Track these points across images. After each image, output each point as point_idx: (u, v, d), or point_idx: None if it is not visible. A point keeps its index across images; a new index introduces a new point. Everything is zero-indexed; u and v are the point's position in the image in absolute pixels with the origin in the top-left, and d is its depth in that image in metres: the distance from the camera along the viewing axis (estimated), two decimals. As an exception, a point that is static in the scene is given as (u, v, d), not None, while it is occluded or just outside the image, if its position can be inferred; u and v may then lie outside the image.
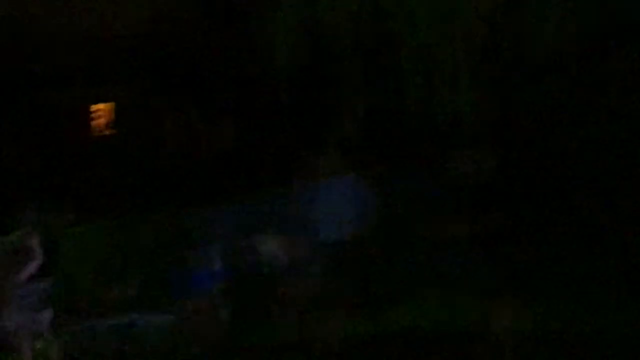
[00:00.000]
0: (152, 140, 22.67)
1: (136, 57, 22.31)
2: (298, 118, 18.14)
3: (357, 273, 9.95)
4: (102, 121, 24.51)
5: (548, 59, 13.17)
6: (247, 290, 11.65)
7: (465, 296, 10.78)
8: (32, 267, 10.32)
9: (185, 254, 13.28)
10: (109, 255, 14.63)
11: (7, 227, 11.61)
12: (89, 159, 22.23)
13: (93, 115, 24.49)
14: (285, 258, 11.50)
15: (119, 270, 13.43)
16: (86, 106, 23.95)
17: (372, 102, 15.12)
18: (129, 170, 21.55)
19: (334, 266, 9.63)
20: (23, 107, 21.32)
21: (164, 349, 11.08)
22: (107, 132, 24.21)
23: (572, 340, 9.27)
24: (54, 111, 21.97)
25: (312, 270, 10.76)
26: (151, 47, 22.45)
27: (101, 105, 24.52)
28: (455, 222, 12.08)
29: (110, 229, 16.22)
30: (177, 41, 22.17)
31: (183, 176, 20.83)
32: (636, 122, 13.23)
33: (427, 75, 13.48)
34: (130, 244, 15.54)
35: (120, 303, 12.09)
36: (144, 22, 22.27)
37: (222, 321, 11.37)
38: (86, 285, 12.37)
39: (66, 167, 21.17)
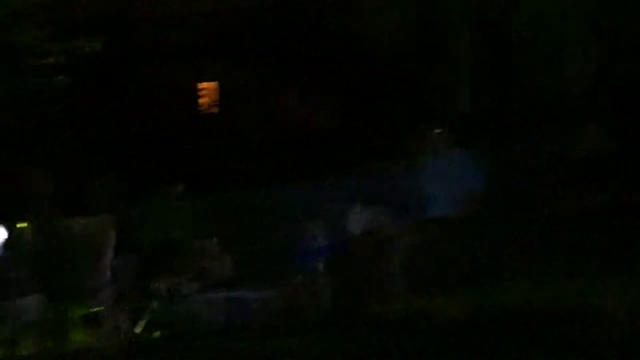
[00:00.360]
0: (258, 117, 22.77)
1: (242, 33, 22.42)
2: (406, 94, 17.96)
3: (464, 249, 9.74)
4: (208, 99, 24.77)
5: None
6: (348, 267, 11.56)
7: (576, 273, 10.50)
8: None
9: (288, 230, 13.35)
10: (213, 229, 14.78)
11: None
12: (195, 136, 22.45)
13: (199, 92, 24.76)
14: (387, 234, 11.44)
15: (222, 244, 13.57)
16: (193, 83, 24.20)
17: (484, 76, 14.85)
18: (234, 146, 21.71)
19: (439, 242, 9.42)
20: (131, 84, 21.65)
21: (268, 324, 11.16)
22: (213, 110, 24.44)
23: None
24: (162, 88, 22.22)
25: (417, 246, 10.64)
26: (257, 23, 22.53)
27: (207, 83, 24.76)
28: (569, 197, 11.76)
29: (215, 204, 16.39)
30: (282, 16, 22.19)
31: (288, 152, 20.86)
32: None
33: (540, 48, 13.13)
34: (234, 219, 15.67)
35: (224, 277, 12.20)
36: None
37: (323, 297, 11.36)
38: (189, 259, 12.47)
39: (174, 144, 21.44)
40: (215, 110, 24.60)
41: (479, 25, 14.80)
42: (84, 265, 10.50)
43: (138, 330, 11.59)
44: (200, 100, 24.83)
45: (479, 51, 14.95)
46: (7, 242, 10.99)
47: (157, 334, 11.30)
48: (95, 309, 12.89)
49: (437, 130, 10.50)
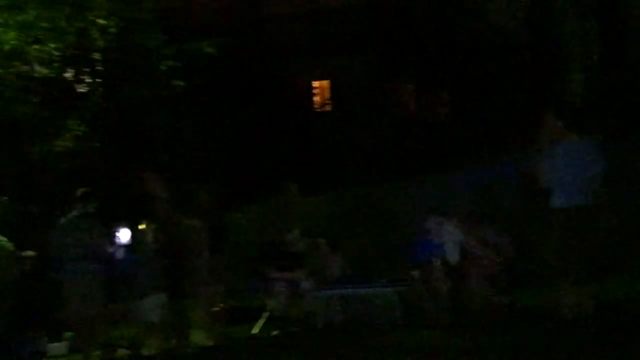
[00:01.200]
0: (374, 111, 22.67)
1: (355, 29, 22.38)
2: (521, 85, 17.65)
3: (587, 239, 9.38)
4: (322, 95, 24.82)
5: None
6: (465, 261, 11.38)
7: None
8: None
9: (409, 224, 13.25)
10: (335, 225, 14.78)
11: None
12: (311, 132, 22.51)
13: (314, 89, 24.85)
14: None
15: (338, 241, 13.55)
16: (308, 80, 24.31)
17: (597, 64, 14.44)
18: (350, 142, 21.66)
19: (564, 232, 9.12)
20: (247, 84, 21.86)
21: (394, 317, 11.13)
22: (328, 106, 24.47)
23: None
24: (277, 87, 22.37)
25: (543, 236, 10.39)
26: (369, 19, 22.45)
27: (320, 81, 24.82)
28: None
29: (335, 200, 16.39)
30: (395, 12, 22.05)
31: (404, 147, 20.71)
32: None
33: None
34: (351, 216, 15.63)
35: (340, 274, 12.16)
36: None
37: (441, 291, 11.23)
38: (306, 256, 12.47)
39: (290, 142, 21.54)
40: (330, 107, 24.66)
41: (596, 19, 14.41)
42: (199, 265, 10.61)
43: (256, 329, 11.69)
44: (315, 99, 24.94)
45: (595, 44, 14.53)
46: (131, 242, 11.24)
47: (275, 332, 11.36)
48: (215, 308, 13.10)
49: (559, 120, 10.13)
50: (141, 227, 10.56)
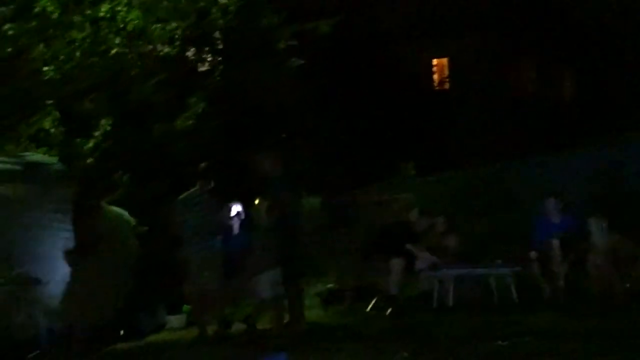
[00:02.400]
0: (493, 89, 22.23)
1: (475, 5, 21.95)
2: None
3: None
4: (441, 73, 24.49)
5: None
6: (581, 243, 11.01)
7: None
8: None
9: (527, 205, 12.97)
10: (451, 205, 14.60)
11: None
12: (429, 111, 22.22)
13: (432, 68, 24.54)
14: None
15: (462, 219, 13.40)
16: (427, 57, 24.01)
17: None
18: (468, 120, 21.30)
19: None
20: (367, 61, 21.71)
21: (509, 298, 10.95)
22: (446, 84, 24.14)
23: None
24: (398, 63, 22.15)
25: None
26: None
27: (438, 59, 24.48)
28: None
29: (453, 180, 16.17)
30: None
31: (524, 127, 20.25)
32: None
33: None
34: (471, 194, 15.39)
35: (457, 254, 11.99)
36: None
37: (563, 271, 10.91)
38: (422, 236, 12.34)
39: (409, 120, 21.32)
40: (449, 86, 24.30)
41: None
42: (314, 243, 10.62)
43: (368, 308, 11.64)
44: (434, 77, 24.62)
45: None
46: (246, 219, 11.32)
47: (389, 310, 11.27)
48: (331, 286, 13.12)
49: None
50: (256, 203, 10.61)
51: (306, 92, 16.10)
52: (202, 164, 10.41)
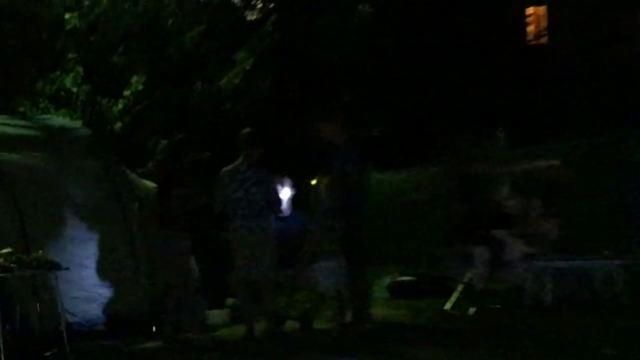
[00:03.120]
0: (600, 44, 21.88)
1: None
2: None
3: None
4: (537, 25, 24.17)
5: None
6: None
7: None
8: None
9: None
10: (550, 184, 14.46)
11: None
12: (523, 69, 21.94)
13: (526, 19, 24.24)
14: None
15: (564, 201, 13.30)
16: (520, 6, 23.73)
17: None
18: (570, 81, 20.99)
19: None
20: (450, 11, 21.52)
21: (617, 295, 10.95)
22: (543, 38, 23.83)
23: None
24: (486, 14, 21.90)
25: None
26: None
27: (535, 7, 24.16)
28: None
29: (551, 153, 16.00)
30: None
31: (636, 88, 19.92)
32: None
33: None
34: (574, 170, 15.22)
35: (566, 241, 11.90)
36: None
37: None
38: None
39: (499, 80, 21.09)
40: (546, 40, 23.96)
41: None
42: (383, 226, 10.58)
43: (449, 305, 11.58)
44: (529, 29, 24.31)
45: None
46: (299, 198, 11.30)
47: (472, 309, 11.21)
48: (403, 278, 13.08)
49: None
50: (313, 181, 10.58)
51: (376, 48, 15.95)
52: (245, 130, 10.36)
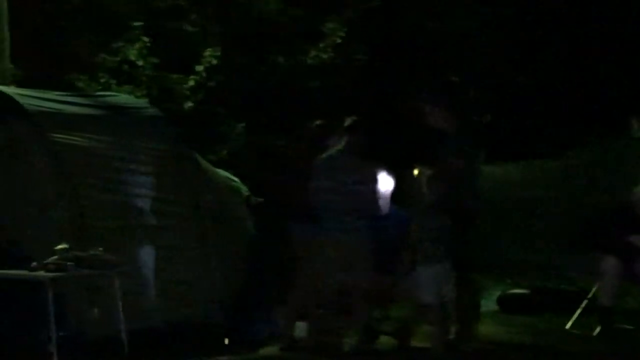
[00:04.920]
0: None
1: None
2: None
3: None
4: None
5: None
6: None
7: None
8: None
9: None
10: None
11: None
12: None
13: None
14: None
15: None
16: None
17: None
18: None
19: None
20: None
21: None
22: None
23: None
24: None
25: None
26: None
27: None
28: None
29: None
30: None
31: None
32: None
33: None
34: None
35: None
36: None
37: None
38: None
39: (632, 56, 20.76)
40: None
41: None
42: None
43: (570, 322, 11.52)
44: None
45: None
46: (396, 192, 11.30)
47: (598, 328, 11.11)
48: (515, 290, 13.02)
49: None
50: (415, 172, 10.57)
51: (492, 18, 15.82)
52: (350, 119, 10.37)
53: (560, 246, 13.13)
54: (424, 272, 9.91)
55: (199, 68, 13.95)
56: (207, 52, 13.95)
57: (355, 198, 10.12)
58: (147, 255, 10.47)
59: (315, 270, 10.34)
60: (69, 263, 9.21)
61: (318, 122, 10.60)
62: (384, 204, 11.05)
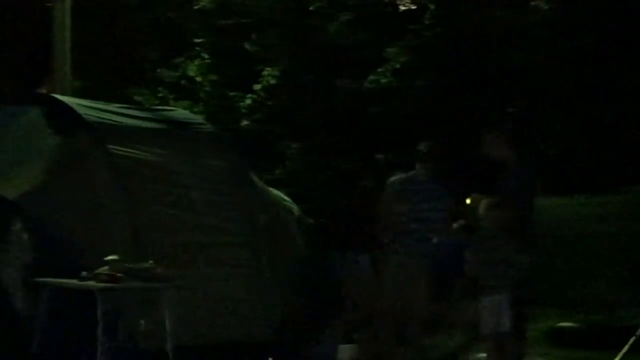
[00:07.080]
0: None
1: None
2: None
3: None
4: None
5: None
6: None
7: None
8: None
9: None
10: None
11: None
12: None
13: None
14: None
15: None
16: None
17: None
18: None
19: None
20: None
21: None
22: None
23: None
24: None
25: None
26: None
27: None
28: None
29: None
30: None
31: None
32: None
33: None
34: None
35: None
36: None
37: None
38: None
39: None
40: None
41: None
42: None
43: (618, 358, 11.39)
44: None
45: None
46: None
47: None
48: (565, 324, 12.90)
49: None
50: (469, 200, 10.52)
51: (563, 46, 15.66)
52: (424, 145, 10.37)
53: (618, 282, 12.98)
54: (484, 301, 9.82)
55: (257, 87, 13.96)
56: (266, 72, 13.95)
57: (430, 224, 10.11)
58: (200, 272, 10.46)
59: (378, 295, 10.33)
60: (119, 274, 9.21)
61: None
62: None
